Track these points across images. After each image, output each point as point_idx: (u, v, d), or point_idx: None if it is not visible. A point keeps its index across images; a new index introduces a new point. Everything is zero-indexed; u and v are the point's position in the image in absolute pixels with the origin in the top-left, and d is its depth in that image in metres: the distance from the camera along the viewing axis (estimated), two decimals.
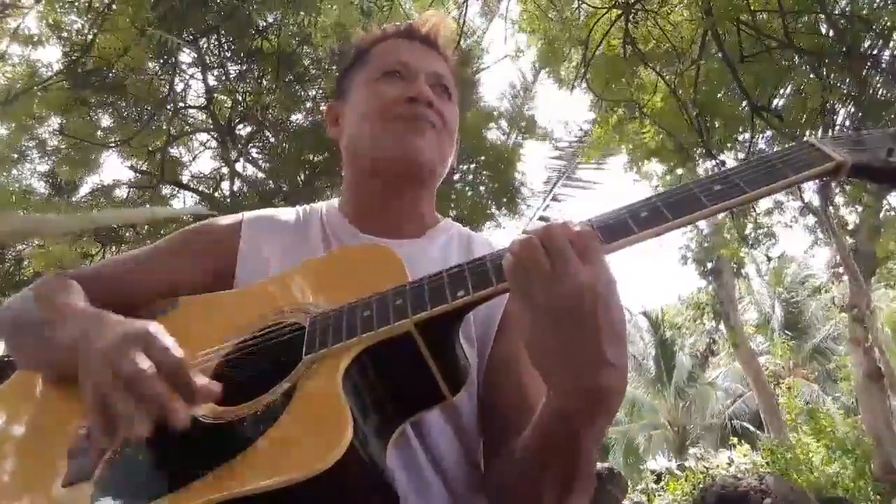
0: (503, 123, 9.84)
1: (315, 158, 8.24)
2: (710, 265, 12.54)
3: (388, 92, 1.04)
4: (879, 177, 0.76)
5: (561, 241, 0.68)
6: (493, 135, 9.51)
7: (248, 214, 1.12)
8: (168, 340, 0.73)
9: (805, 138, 0.79)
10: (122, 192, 8.97)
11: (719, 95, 6.56)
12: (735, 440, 14.51)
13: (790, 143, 0.82)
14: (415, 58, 1.08)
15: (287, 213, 1.14)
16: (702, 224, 12.41)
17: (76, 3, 6.60)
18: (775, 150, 0.83)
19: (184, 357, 0.72)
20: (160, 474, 0.71)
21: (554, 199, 11.65)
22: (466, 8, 7.09)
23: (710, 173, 0.85)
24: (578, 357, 0.67)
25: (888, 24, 5.56)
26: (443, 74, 1.10)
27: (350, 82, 1.14)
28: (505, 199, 8.89)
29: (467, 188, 8.87)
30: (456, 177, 8.93)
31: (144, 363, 0.69)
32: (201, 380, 0.71)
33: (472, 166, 8.96)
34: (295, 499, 0.62)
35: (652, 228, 0.73)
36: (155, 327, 0.74)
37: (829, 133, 6.27)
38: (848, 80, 5.78)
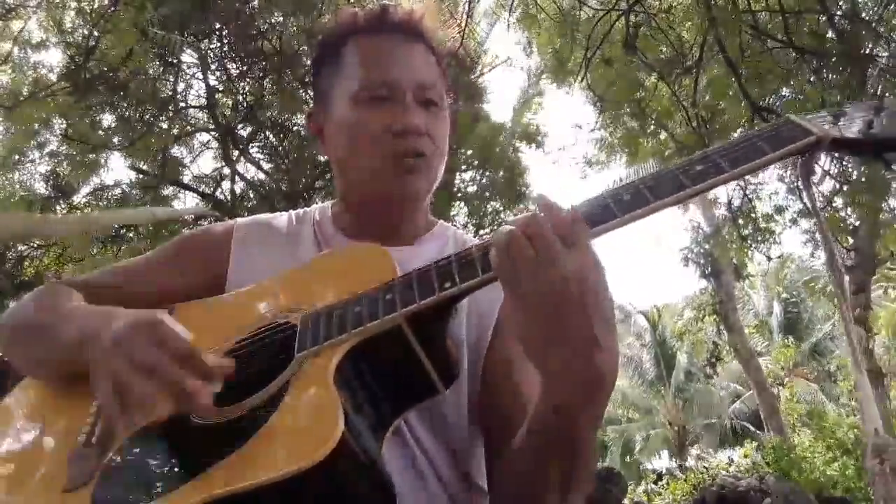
0: (508, 131, 9.86)
1: (316, 159, 8.25)
2: (709, 267, 12.56)
3: (374, 123, 0.97)
4: (860, 148, 0.75)
5: (544, 229, 0.69)
6: (497, 139, 9.52)
7: (240, 221, 1.13)
8: (177, 327, 0.76)
9: (787, 116, 0.79)
10: (123, 193, 8.97)
11: (719, 97, 6.57)
12: (745, 438, 14.51)
13: (773, 121, 0.81)
14: (398, 69, 0.99)
15: (279, 219, 1.14)
16: (703, 225, 12.41)
17: (79, 6, 6.63)
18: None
19: (192, 341, 0.76)
20: (157, 476, 0.71)
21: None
22: (469, 6, 7.11)
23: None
24: (570, 343, 0.67)
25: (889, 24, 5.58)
26: (429, 84, 1.01)
27: (327, 87, 1.05)
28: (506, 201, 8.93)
29: (476, 199, 8.91)
30: (472, 189, 9.01)
31: (159, 349, 0.73)
32: (213, 359, 0.75)
33: (478, 175, 9.01)
34: (289, 493, 0.63)
35: (635, 211, 0.73)
36: (162, 315, 0.78)
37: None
38: (847, 80, 5.79)
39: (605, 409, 0.74)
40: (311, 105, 1.13)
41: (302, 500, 0.65)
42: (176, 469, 0.71)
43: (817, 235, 9.70)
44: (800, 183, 8.20)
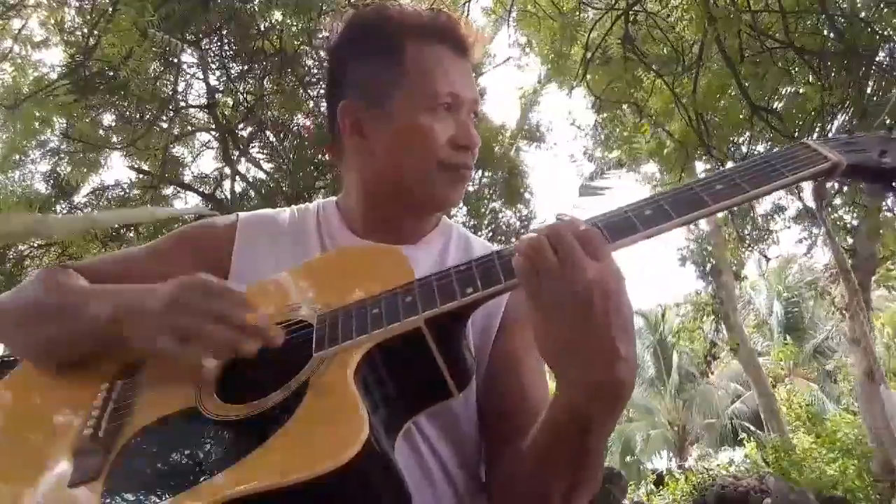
0: (509, 132, 9.89)
1: (316, 158, 8.25)
2: (709, 266, 12.55)
3: (439, 134, 0.99)
4: (872, 177, 0.78)
5: (568, 238, 0.70)
6: (497, 139, 9.55)
7: (243, 215, 1.12)
8: (218, 281, 0.85)
9: (802, 140, 0.81)
10: (123, 192, 8.97)
11: (719, 95, 6.57)
12: (745, 435, 14.48)
13: (788, 145, 0.84)
14: (462, 84, 1.02)
15: (282, 214, 1.14)
16: (702, 224, 12.41)
17: (80, 4, 6.63)
18: (774, 150, 0.85)
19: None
20: (172, 472, 0.70)
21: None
22: (468, 7, 7.12)
23: (709, 173, 0.87)
24: (590, 352, 0.68)
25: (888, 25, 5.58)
26: (478, 100, 1.06)
27: (381, 84, 1.01)
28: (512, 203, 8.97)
29: (479, 201, 8.94)
30: (472, 188, 9.03)
31: (220, 299, 0.81)
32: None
33: (478, 175, 9.03)
34: (313, 492, 0.63)
35: (656, 226, 0.75)
36: (204, 274, 0.85)
37: (828, 135, 6.29)
38: (847, 80, 5.79)
39: (618, 419, 0.75)
40: (336, 91, 1.07)
41: (324, 499, 0.65)
42: (192, 466, 0.70)
43: (819, 239, 9.71)
44: (813, 204, 8.27)
